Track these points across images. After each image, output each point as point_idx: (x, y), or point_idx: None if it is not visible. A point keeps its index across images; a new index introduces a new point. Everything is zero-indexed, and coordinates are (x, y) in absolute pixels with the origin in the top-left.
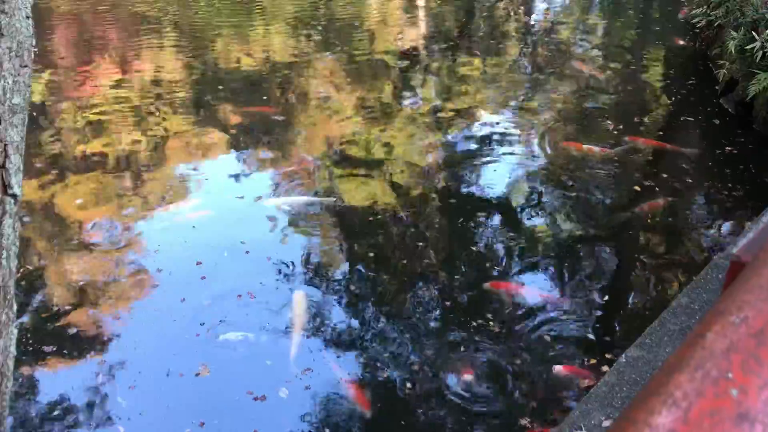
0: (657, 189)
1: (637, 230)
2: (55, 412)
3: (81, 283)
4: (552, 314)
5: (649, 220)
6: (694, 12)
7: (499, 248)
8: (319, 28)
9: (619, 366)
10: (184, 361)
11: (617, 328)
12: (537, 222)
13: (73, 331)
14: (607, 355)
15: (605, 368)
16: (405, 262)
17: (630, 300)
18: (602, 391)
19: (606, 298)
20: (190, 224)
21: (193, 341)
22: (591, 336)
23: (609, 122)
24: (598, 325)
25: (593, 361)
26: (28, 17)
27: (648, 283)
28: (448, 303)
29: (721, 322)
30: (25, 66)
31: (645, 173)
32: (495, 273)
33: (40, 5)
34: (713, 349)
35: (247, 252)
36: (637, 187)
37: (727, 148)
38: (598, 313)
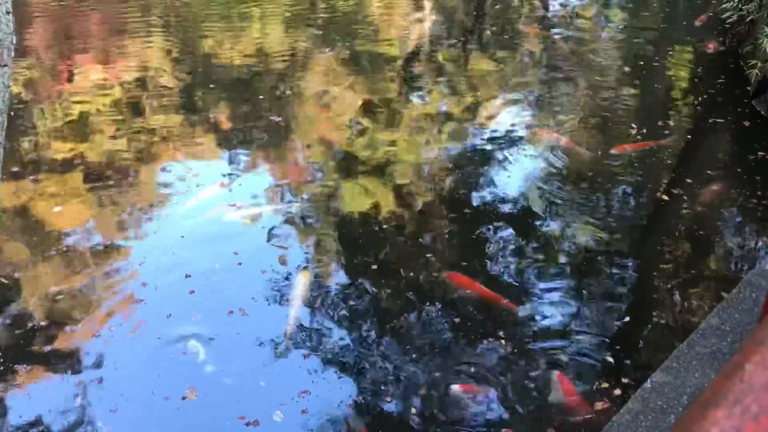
0: (685, 198)
1: (661, 242)
2: None
3: (58, 297)
4: (567, 333)
5: (673, 231)
6: (724, 6)
7: (512, 259)
8: (319, 22)
9: (643, 392)
10: (169, 383)
11: (639, 349)
12: (552, 230)
13: (48, 348)
14: (624, 380)
15: (617, 392)
16: (411, 274)
17: (653, 319)
18: (626, 419)
19: (626, 316)
20: (179, 233)
21: (180, 361)
22: (609, 358)
23: (632, 124)
24: (617, 347)
25: (605, 384)
26: (8, 12)
27: (673, 301)
28: (456, 319)
29: (762, 352)
30: (5, 65)
31: (670, 179)
32: (507, 285)
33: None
34: (753, 382)
35: (239, 264)
36: (665, 196)
37: (759, 153)
38: (617, 332)
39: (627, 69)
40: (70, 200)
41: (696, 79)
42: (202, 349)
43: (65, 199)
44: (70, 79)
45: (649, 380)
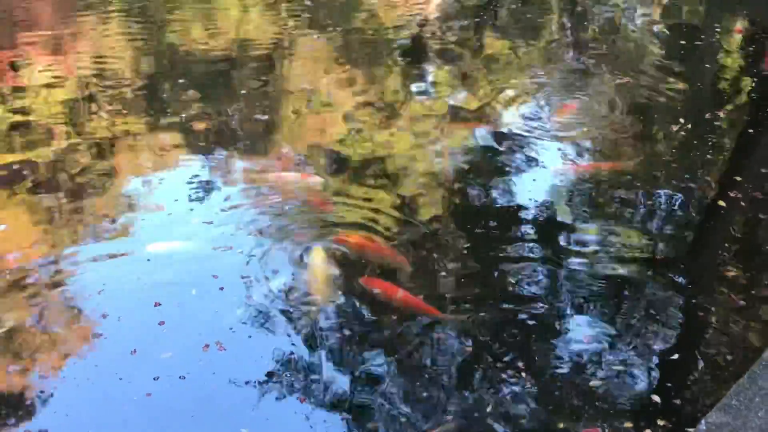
0: (743, 204)
1: (715, 258)
2: None
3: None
4: (602, 362)
5: (729, 245)
6: None
7: (536, 279)
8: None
9: None
10: None
11: (690, 385)
12: (587, 239)
13: None
14: (660, 422)
15: None
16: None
17: (707, 348)
18: None
19: (673, 344)
20: (145, 256)
21: (146, 406)
22: (655, 396)
23: (679, 118)
24: (668, 384)
25: (628, 424)
26: None
27: (732, 327)
28: (469, 348)
29: None
30: None
31: (720, 180)
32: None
33: None
34: None
35: (221, 288)
36: (721, 202)
37: None
38: (663, 364)
39: (672, 52)
40: (13, 217)
41: (751, 61)
42: (172, 390)
43: (8, 216)
44: (14, 73)
45: (703, 421)
